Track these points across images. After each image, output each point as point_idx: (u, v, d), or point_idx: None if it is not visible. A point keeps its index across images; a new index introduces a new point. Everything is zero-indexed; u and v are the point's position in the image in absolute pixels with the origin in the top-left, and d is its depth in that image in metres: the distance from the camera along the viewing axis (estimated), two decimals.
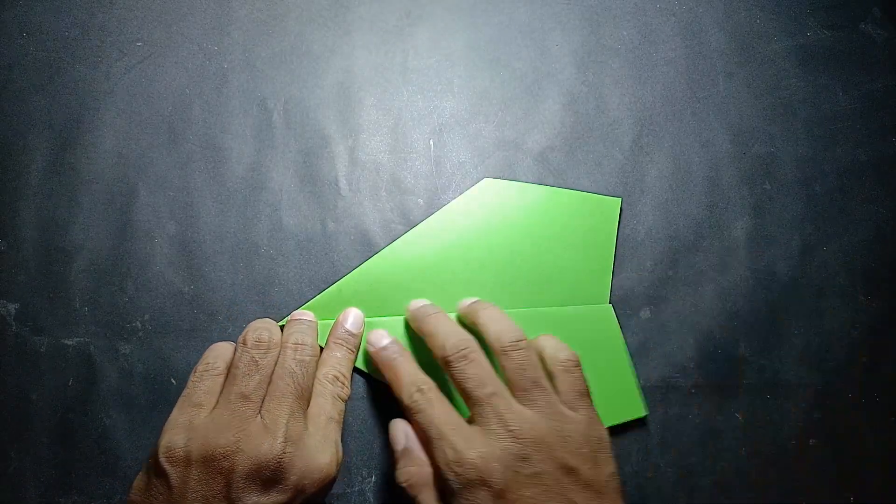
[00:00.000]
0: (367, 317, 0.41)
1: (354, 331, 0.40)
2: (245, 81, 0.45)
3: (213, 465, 0.32)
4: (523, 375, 0.36)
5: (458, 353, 0.36)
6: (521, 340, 0.37)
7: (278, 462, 0.32)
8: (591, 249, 0.43)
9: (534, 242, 0.43)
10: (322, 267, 0.43)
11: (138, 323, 0.41)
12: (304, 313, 0.41)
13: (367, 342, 0.40)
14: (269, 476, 0.32)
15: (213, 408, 0.34)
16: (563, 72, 0.47)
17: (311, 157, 0.44)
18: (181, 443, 0.33)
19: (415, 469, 0.35)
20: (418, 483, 0.35)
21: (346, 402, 0.37)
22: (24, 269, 0.42)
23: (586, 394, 0.37)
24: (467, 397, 0.36)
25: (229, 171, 0.44)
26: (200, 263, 0.42)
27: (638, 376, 0.42)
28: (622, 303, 0.43)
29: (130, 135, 0.44)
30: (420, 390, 0.36)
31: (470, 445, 0.34)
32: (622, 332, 0.43)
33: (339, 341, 0.39)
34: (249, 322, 0.41)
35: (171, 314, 0.42)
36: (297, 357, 0.36)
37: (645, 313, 0.43)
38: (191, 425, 0.33)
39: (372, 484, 0.40)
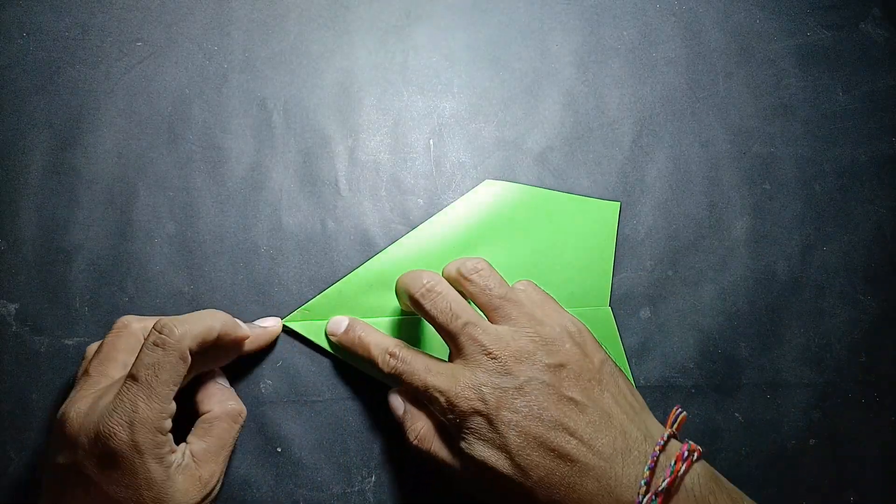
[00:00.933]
0: (367, 317, 0.42)
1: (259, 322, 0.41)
2: (245, 81, 0.45)
3: (53, 430, 0.34)
4: (490, 295, 0.37)
5: (423, 288, 0.37)
6: (481, 262, 0.38)
7: (70, 422, 0.33)
8: (591, 252, 0.43)
9: (534, 245, 0.43)
10: (322, 267, 0.43)
11: None
12: (266, 321, 0.41)
13: (329, 334, 0.41)
14: (62, 435, 0.33)
15: None
16: (563, 72, 0.47)
17: (311, 157, 0.44)
18: None
19: (420, 424, 0.36)
20: (426, 436, 0.36)
21: (173, 351, 0.33)
22: (24, 269, 0.42)
23: (549, 299, 0.38)
24: (444, 333, 0.37)
25: (229, 171, 0.44)
26: (200, 263, 0.42)
27: (637, 376, 0.42)
28: (622, 303, 0.43)
29: (130, 135, 0.44)
30: (392, 354, 0.38)
31: (455, 381, 0.35)
32: (621, 332, 0.43)
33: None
34: (249, 321, 0.41)
35: (171, 314, 0.41)
36: (150, 338, 0.33)
37: (645, 313, 0.43)
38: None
39: (372, 484, 0.40)
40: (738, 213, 0.45)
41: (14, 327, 0.41)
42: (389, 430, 0.41)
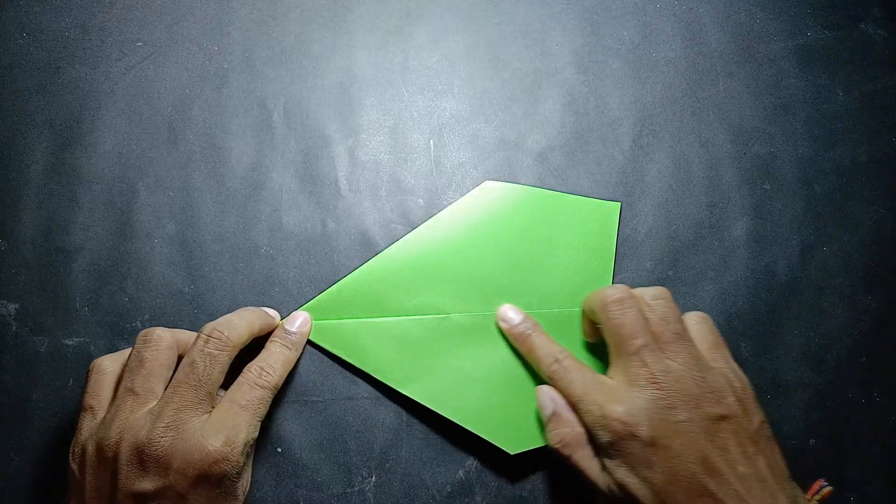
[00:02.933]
0: (368, 317, 0.42)
1: (294, 329, 0.40)
2: (245, 81, 0.45)
3: (101, 456, 0.33)
4: (666, 328, 0.37)
5: (618, 295, 0.37)
6: (665, 291, 0.38)
7: (156, 446, 0.33)
8: (592, 253, 0.43)
9: (534, 246, 0.43)
10: (322, 267, 0.43)
11: (138, 323, 0.41)
12: (264, 311, 0.41)
13: (499, 319, 0.41)
14: (150, 461, 0.33)
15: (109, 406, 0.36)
16: (563, 72, 0.47)
17: (311, 157, 0.44)
18: (80, 442, 0.35)
19: (567, 430, 0.36)
20: (571, 443, 0.36)
21: (270, 390, 0.37)
22: (24, 269, 0.42)
23: (722, 345, 0.38)
24: (619, 346, 0.37)
25: (229, 171, 0.44)
26: (200, 263, 0.42)
27: None
28: None
29: (130, 135, 0.44)
30: (557, 360, 0.38)
31: (614, 400, 0.35)
32: None
33: (275, 338, 0.40)
34: None
35: (171, 314, 0.42)
36: (206, 349, 0.36)
37: None
38: (87, 426, 0.35)
39: (372, 484, 0.40)
40: (738, 213, 0.45)
41: (14, 327, 0.41)
42: (389, 430, 0.41)
